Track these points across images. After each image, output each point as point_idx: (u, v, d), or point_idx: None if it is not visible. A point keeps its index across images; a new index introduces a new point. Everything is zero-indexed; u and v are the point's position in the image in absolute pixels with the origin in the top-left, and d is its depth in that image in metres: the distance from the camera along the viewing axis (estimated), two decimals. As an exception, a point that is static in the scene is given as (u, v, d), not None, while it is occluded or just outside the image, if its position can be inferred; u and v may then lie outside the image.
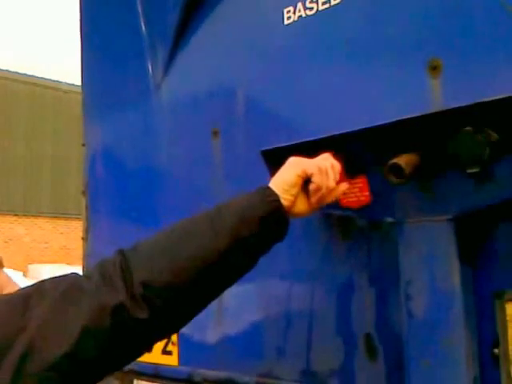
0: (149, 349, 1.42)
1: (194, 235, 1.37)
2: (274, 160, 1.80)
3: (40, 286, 1.29)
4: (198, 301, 1.40)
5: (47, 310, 1.21)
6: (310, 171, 1.50)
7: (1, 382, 1.12)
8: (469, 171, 1.44)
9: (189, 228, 1.40)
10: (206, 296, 1.42)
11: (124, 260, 1.33)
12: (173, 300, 1.32)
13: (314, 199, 1.52)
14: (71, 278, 1.31)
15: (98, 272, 1.32)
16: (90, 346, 1.21)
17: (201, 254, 1.34)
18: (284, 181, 1.48)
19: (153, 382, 2.38)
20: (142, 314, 1.26)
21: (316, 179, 1.50)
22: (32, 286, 1.31)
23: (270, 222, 1.41)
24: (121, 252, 1.37)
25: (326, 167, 1.51)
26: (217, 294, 1.45)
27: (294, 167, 1.51)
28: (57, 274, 1.35)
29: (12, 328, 1.18)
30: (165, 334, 1.46)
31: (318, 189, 1.50)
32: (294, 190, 1.48)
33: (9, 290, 1.39)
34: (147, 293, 1.28)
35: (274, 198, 1.43)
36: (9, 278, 1.31)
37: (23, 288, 1.33)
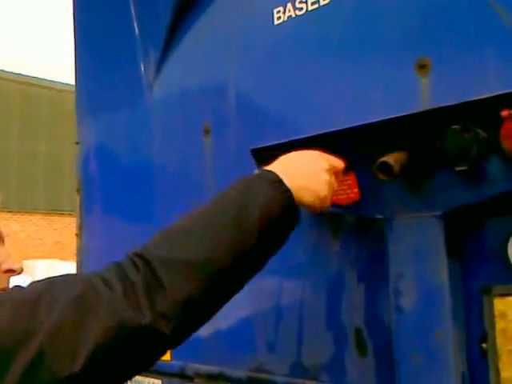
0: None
1: (222, 242, 1.23)
2: (264, 158, 1.78)
3: (51, 287, 1.14)
4: (220, 305, 1.29)
5: (59, 316, 1.07)
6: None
7: None
8: (457, 169, 1.43)
9: (214, 230, 1.25)
10: (228, 296, 1.30)
11: (147, 270, 1.17)
12: (199, 310, 1.22)
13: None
14: (86, 281, 1.16)
15: (118, 278, 1.15)
16: (104, 363, 1.09)
17: (232, 258, 1.23)
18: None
19: (145, 376, 2.36)
20: (164, 330, 1.13)
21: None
22: (41, 284, 1.17)
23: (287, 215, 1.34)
24: (141, 256, 1.20)
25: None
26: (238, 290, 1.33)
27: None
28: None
29: (19, 332, 1.05)
30: (183, 341, 1.28)
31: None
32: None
33: (7, 265, 1.36)
34: (175, 312, 1.15)
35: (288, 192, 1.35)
36: (8, 254, 1.28)
37: (31, 286, 1.18)
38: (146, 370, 1.28)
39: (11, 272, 1.45)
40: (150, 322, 1.11)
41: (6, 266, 1.43)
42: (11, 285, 1.45)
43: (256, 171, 1.45)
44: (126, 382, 1.25)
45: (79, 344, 1.06)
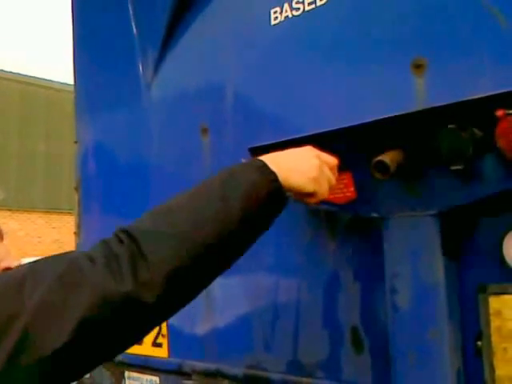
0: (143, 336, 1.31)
1: (205, 219, 1.23)
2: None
3: (34, 267, 1.14)
4: (208, 278, 1.29)
5: (43, 295, 1.06)
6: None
7: None
8: (452, 168, 1.43)
9: (197, 209, 1.26)
10: (213, 272, 1.29)
11: (131, 242, 1.17)
12: (183, 283, 1.20)
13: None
14: (69, 259, 1.15)
15: (102, 254, 1.16)
16: (89, 337, 1.08)
17: (216, 236, 1.22)
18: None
19: (143, 373, 2.36)
20: (150, 299, 1.12)
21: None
22: (25, 266, 1.17)
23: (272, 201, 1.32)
24: (126, 232, 1.20)
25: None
26: (220, 271, 1.31)
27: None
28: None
29: (4, 314, 1.04)
30: (169, 316, 1.28)
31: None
32: None
33: (7, 263, 1.33)
34: (158, 281, 1.14)
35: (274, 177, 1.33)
36: (8, 251, 1.26)
37: (15, 269, 1.19)
38: (134, 343, 1.25)
39: (8, 270, 1.43)
40: (131, 289, 1.10)
41: (5, 264, 1.42)
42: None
43: (243, 159, 1.42)
44: (114, 356, 1.23)
45: (63, 321, 1.06)
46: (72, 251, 1.24)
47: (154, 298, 1.13)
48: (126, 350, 1.23)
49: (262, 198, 1.28)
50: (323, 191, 1.44)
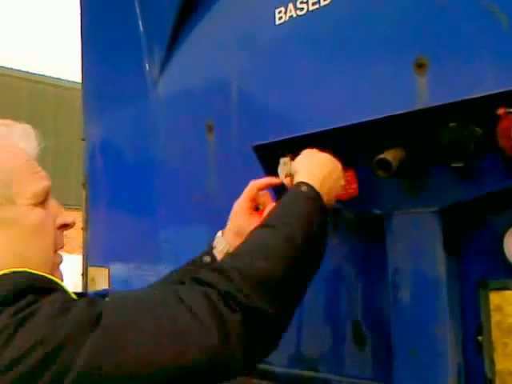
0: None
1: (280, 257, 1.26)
2: (266, 154, 1.78)
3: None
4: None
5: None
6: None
7: None
8: (453, 165, 1.42)
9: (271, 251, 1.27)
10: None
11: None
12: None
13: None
14: (172, 313, 1.07)
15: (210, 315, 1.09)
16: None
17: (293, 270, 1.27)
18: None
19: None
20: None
21: None
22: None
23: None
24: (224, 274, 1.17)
25: None
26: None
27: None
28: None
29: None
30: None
31: None
32: None
33: (62, 220, 1.22)
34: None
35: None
36: (59, 207, 1.20)
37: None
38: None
39: (65, 227, 1.33)
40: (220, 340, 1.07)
41: (60, 221, 1.31)
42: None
43: (296, 185, 1.45)
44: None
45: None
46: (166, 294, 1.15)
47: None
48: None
49: (316, 223, 1.37)
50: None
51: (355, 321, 1.75)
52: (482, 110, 1.37)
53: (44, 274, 1.11)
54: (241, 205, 1.63)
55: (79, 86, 3.08)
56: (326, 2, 1.73)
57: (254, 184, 1.64)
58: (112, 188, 2.72)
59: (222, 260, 1.33)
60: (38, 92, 23.29)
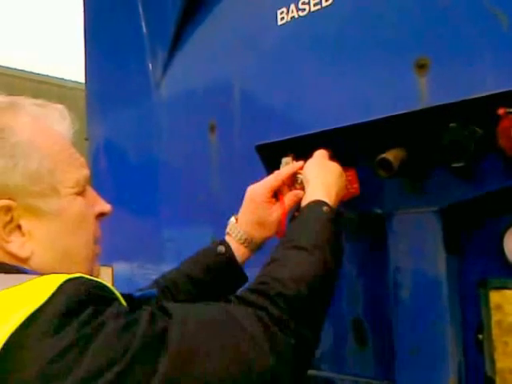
0: None
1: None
2: (268, 154, 1.78)
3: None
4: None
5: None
6: None
7: None
8: (454, 165, 1.43)
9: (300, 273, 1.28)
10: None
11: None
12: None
13: None
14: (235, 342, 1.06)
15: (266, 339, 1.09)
16: None
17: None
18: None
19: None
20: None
21: None
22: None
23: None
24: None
25: None
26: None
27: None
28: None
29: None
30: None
31: None
32: None
33: (100, 208, 1.17)
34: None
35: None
36: (97, 196, 1.17)
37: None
38: None
39: (103, 215, 1.32)
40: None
41: (98, 209, 1.29)
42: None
43: (316, 203, 1.47)
44: None
45: None
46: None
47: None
48: None
49: (332, 232, 1.39)
50: None
51: (357, 320, 1.75)
52: (482, 110, 1.38)
53: (98, 280, 1.04)
54: (261, 193, 1.59)
55: (82, 86, 3.09)
56: (328, 3, 1.73)
57: (279, 175, 1.61)
58: (115, 187, 2.72)
59: (258, 276, 1.28)
60: (42, 92, 23.31)
